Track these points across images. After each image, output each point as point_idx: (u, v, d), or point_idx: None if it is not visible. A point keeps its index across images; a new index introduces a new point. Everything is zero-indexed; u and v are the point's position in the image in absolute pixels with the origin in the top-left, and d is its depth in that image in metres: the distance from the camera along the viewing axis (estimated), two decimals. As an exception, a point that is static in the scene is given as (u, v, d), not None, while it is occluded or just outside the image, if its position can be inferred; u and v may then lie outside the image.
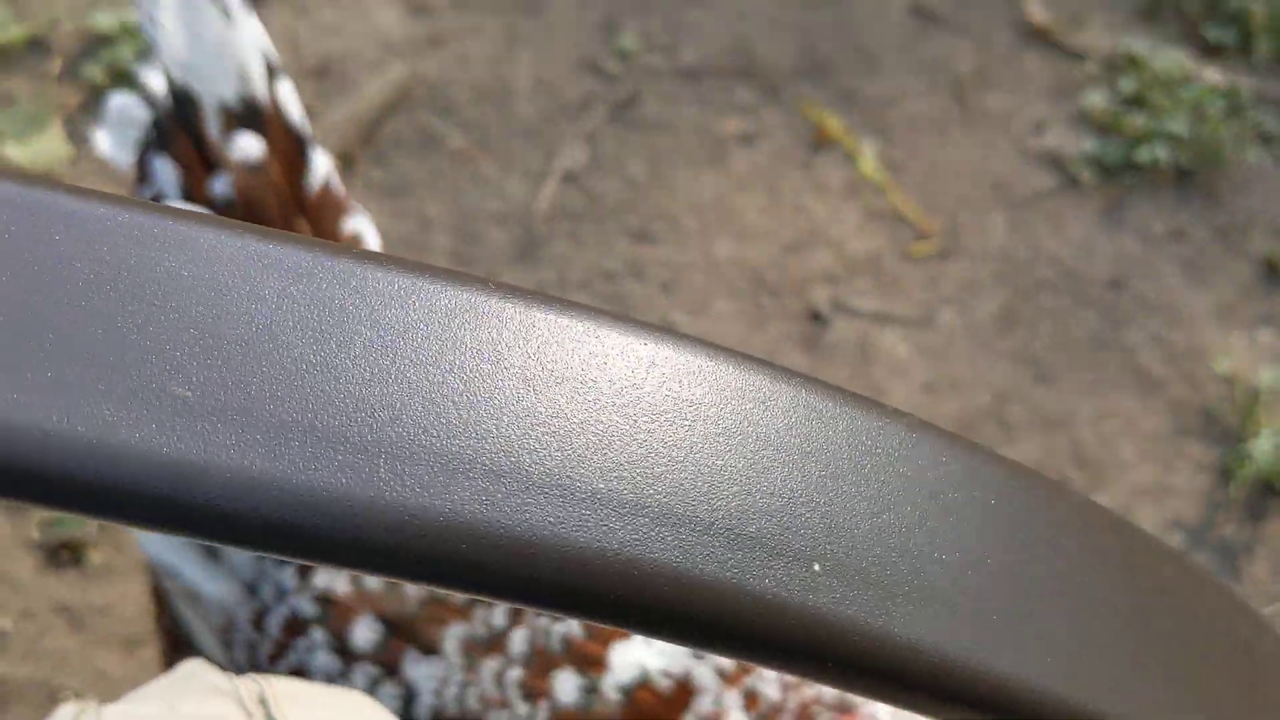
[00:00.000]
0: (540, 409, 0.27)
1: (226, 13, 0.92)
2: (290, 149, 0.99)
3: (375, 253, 0.28)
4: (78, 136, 1.99)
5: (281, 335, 0.26)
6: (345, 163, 2.03)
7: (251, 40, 0.95)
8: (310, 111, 2.09)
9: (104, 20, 2.06)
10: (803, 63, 2.32)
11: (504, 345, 0.27)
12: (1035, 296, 2.10)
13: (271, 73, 0.98)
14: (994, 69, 2.40)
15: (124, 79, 2.03)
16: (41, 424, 0.24)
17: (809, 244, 2.09)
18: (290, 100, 0.99)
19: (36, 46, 2.08)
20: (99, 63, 2.03)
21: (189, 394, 0.25)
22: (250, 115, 0.95)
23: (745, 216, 2.10)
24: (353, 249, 0.28)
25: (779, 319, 1.99)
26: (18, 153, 1.99)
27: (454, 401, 0.26)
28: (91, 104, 2.03)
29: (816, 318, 2.00)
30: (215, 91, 0.93)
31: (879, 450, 0.29)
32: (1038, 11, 2.50)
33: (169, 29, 0.91)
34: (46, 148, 2.00)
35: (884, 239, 2.12)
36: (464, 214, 2.02)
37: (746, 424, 0.28)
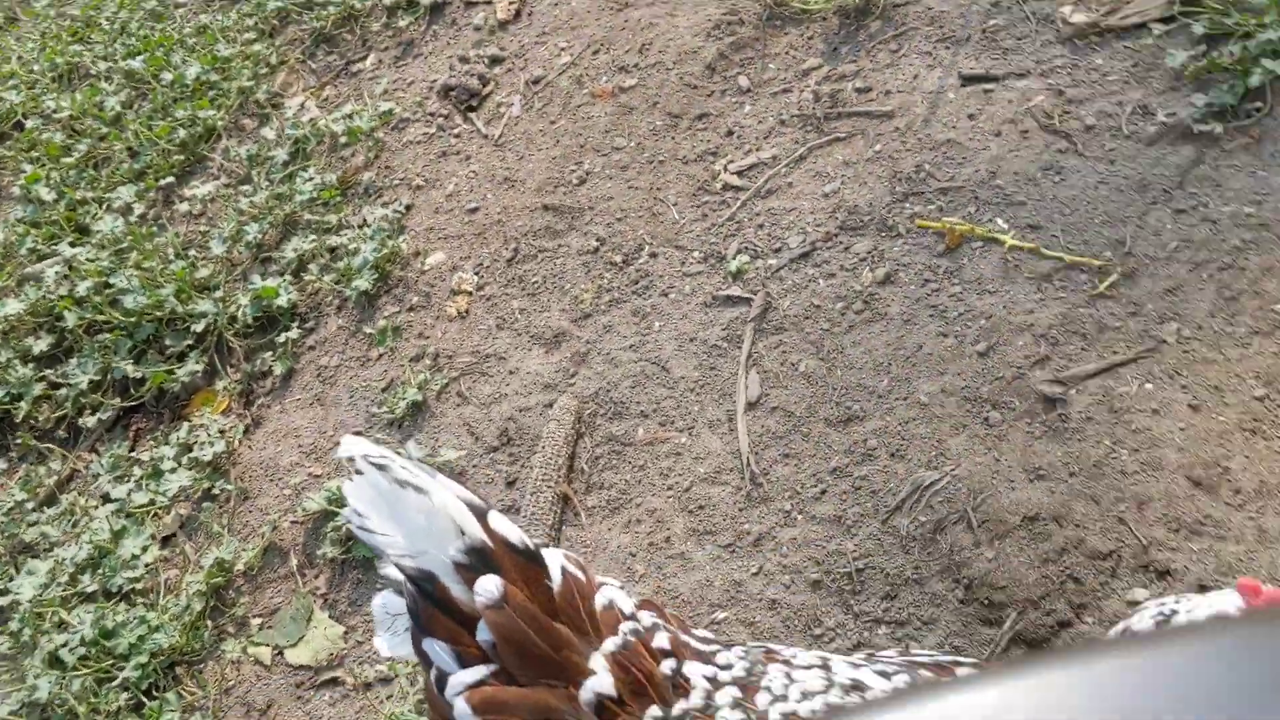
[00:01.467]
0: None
1: (419, 487, 1.00)
2: (523, 566, 1.04)
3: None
4: (338, 613, 2.14)
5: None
6: (564, 504, 2.12)
7: (450, 495, 1.02)
8: (510, 480, 2.20)
9: (313, 502, 2.24)
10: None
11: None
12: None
13: (477, 511, 1.04)
14: None
15: (355, 546, 2.18)
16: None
17: (1001, 342, 2.04)
18: (504, 525, 1.05)
19: (271, 554, 2.27)
20: (327, 540, 2.19)
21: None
22: (479, 559, 1.01)
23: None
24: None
25: (1013, 423, 1.92)
26: (297, 655, 2.12)
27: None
28: (336, 579, 2.18)
29: (1049, 402, 1.92)
30: (442, 558, 1.00)
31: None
32: None
33: (379, 529, 0.99)
34: (320, 638, 2.12)
35: (1067, 296, 2.05)
36: (683, 491, 2.06)
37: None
